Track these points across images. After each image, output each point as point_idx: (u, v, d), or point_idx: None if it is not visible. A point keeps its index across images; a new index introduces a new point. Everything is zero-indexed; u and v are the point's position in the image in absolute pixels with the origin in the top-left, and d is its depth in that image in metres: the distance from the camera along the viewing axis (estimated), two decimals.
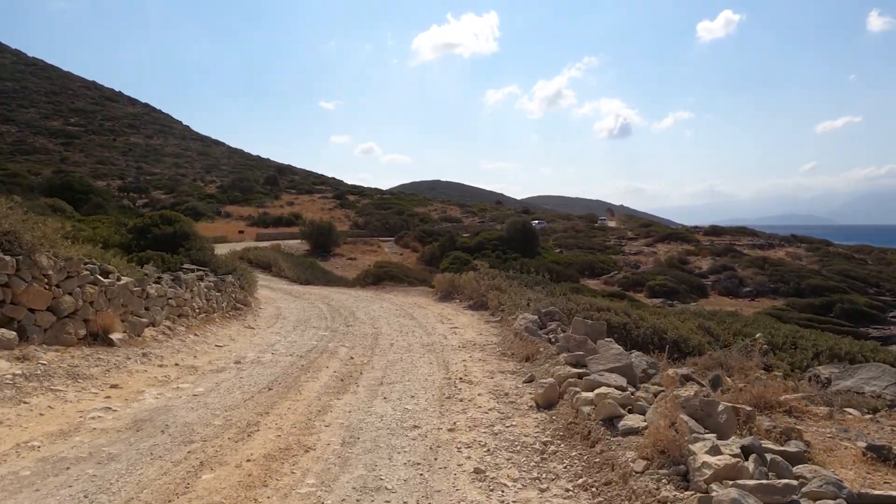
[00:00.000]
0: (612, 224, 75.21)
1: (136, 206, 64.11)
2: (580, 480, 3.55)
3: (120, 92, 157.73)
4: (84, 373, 5.79)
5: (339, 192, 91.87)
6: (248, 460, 3.81)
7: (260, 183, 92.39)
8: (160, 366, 6.78)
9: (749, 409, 5.18)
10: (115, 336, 7.47)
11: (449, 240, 45.94)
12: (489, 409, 5.13)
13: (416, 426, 4.65)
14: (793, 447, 4.27)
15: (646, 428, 3.71)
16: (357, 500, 3.31)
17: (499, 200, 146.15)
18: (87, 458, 3.79)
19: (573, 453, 3.95)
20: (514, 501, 3.34)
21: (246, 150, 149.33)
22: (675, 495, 2.94)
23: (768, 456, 3.52)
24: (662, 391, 4.67)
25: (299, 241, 45.78)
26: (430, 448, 4.14)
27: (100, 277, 7.78)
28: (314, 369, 6.94)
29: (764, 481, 2.89)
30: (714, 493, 2.80)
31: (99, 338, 7.39)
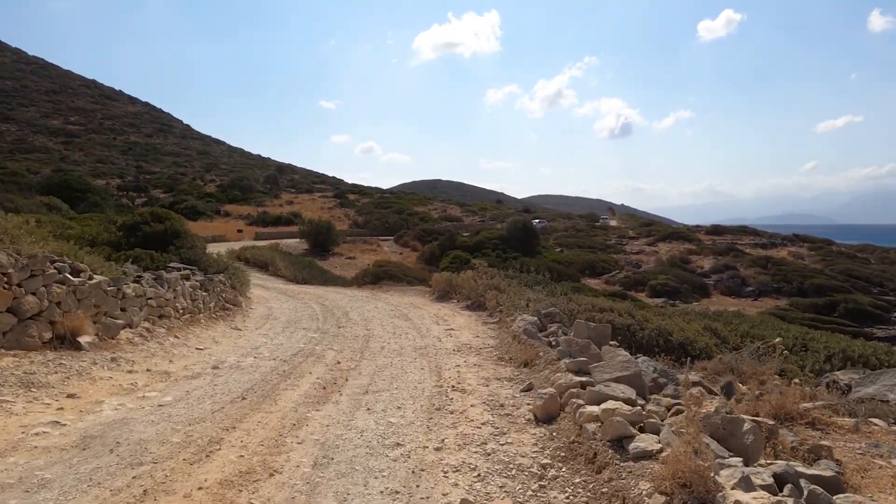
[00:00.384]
0: (613, 223, 74.67)
1: (135, 204, 63.67)
2: None
3: (120, 91, 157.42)
4: (40, 381, 5.28)
5: (339, 191, 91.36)
6: (200, 488, 3.30)
7: (259, 182, 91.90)
8: (129, 371, 6.28)
9: (771, 423, 4.67)
10: (83, 339, 6.96)
11: (449, 239, 45.44)
12: (482, 423, 4.61)
13: (399, 444, 4.13)
14: (825, 469, 3.76)
15: (661, 451, 3.20)
16: None
17: (499, 200, 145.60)
18: (15, 484, 3.28)
19: (576, 480, 3.43)
20: None
21: (246, 149, 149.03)
22: None
23: (804, 484, 3.01)
24: (677, 404, 4.15)
25: (298, 240, 45.35)
26: (413, 472, 3.62)
27: (69, 276, 7.27)
28: (296, 375, 6.43)
29: None
30: None
31: (66, 341, 6.89)
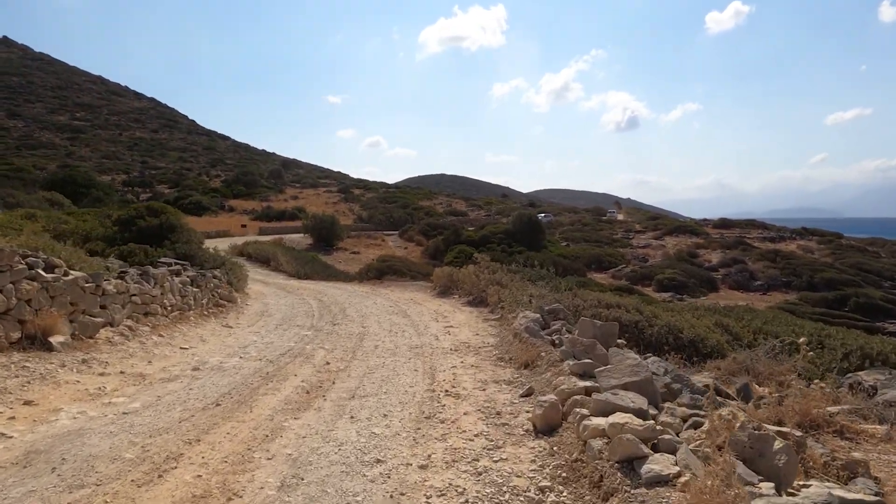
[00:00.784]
0: (620, 217, 73.94)
1: (139, 199, 63.53)
2: None
3: (126, 86, 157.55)
4: None
5: (344, 185, 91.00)
6: None
7: (264, 177, 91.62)
8: (101, 374, 5.85)
9: (798, 434, 4.18)
10: (55, 339, 6.54)
11: (454, 233, 45.00)
12: (475, 435, 4.14)
13: (379, 460, 3.67)
14: (865, 492, 3.28)
15: (678, 475, 2.73)
16: None
17: (504, 194, 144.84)
18: None
19: None
20: None
21: (252, 144, 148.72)
22: None
23: None
24: (694, 415, 3.67)
25: (302, 235, 45.04)
26: (392, 496, 3.16)
27: (41, 272, 6.85)
28: (279, 378, 5.98)
29: None
30: None
31: (37, 341, 6.48)
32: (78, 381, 5.44)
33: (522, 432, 4.19)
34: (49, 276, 6.93)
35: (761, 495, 2.44)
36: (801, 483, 3.27)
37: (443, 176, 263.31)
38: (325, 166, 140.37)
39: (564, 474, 3.37)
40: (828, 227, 75.64)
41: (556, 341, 7.33)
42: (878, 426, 5.45)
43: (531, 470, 3.51)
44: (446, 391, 5.42)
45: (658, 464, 2.86)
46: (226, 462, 3.60)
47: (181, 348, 7.80)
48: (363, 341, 8.55)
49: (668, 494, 2.64)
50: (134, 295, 8.65)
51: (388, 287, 18.34)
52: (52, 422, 4.30)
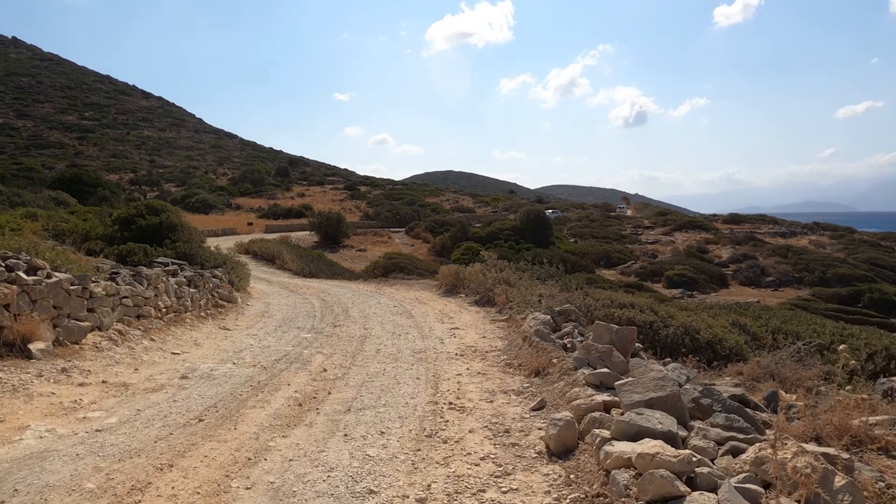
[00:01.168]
0: (629, 213, 73.21)
1: (147, 198, 63.52)
2: None
3: (133, 86, 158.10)
4: None
5: (351, 183, 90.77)
6: None
7: (271, 175, 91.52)
8: (80, 384, 5.46)
9: (846, 456, 3.73)
10: (35, 346, 6.16)
11: (461, 230, 44.58)
12: (482, 458, 3.70)
13: (372, 491, 3.24)
14: None
15: None
16: None
17: (512, 190, 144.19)
18: None
19: None
20: None
21: (259, 142, 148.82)
22: None
23: None
24: (731, 438, 3.20)
25: (308, 232, 44.84)
26: None
27: (21, 275, 6.46)
28: (271, 388, 5.57)
29: None
30: None
31: (16, 348, 6.11)
32: (53, 394, 5.04)
33: (534, 455, 3.74)
34: (30, 278, 6.55)
35: None
36: None
37: (450, 172, 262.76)
38: (332, 164, 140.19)
39: None
40: (839, 221, 74.66)
41: (569, 345, 6.88)
42: None
43: None
44: (450, 403, 4.98)
45: None
46: (198, 493, 3.18)
47: (172, 353, 7.41)
48: (364, 345, 8.13)
49: None
50: (125, 297, 8.26)
51: (394, 286, 17.92)
52: (14, 442, 3.91)
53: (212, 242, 22.70)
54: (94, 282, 7.61)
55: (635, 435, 3.18)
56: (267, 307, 12.87)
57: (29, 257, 7.00)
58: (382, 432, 4.25)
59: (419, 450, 3.86)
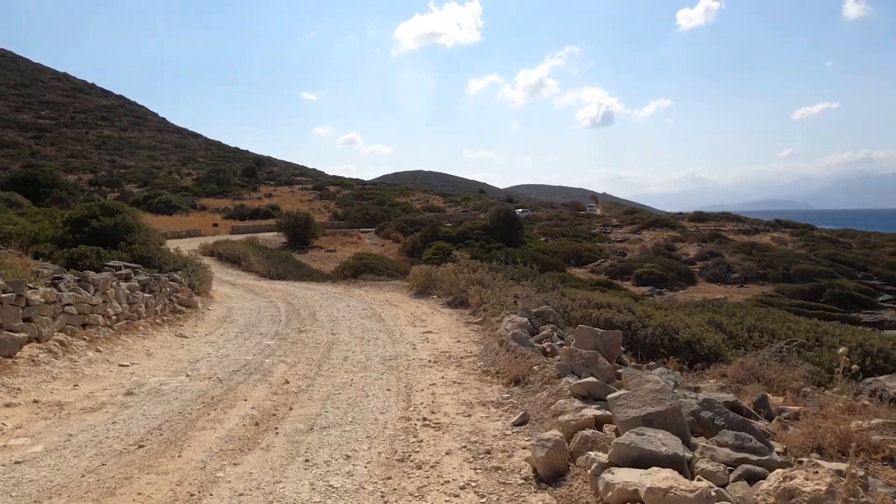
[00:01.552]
0: (598, 212, 73.84)
1: (106, 199, 61.41)
2: None
3: (92, 84, 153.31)
4: None
5: (320, 183, 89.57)
6: None
7: (237, 175, 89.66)
8: (7, 405, 4.85)
9: (861, 473, 3.41)
10: None
11: (431, 230, 44.19)
12: (462, 487, 3.26)
13: None
14: None
15: None
16: None
17: (482, 189, 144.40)
18: None
19: None
20: None
21: (224, 142, 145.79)
22: None
23: None
24: (743, 460, 2.83)
25: (276, 233, 43.91)
26: None
27: None
28: (226, 404, 5.04)
29: None
30: None
31: None
32: None
33: (521, 480, 3.32)
34: None
35: None
36: None
37: (420, 172, 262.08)
38: (301, 164, 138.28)
39: None
40: (798, 218, 76.61)
41: (548, 350, 6.50)
42: None
43: None
44: (424, 419, 4.52)
45: None
46: None
47: (120, 366, 6.79)
48: (331, 352, 7.63)
49: None
50: (68, 304, 7.59)
51: (364, 287, 17.38)
52: None
53: (175, 244, 21.80)
54: (31, 288, 6.95)
55: (637, 459, 2.78)
56: (229, 312, 12.23)
57: None
58: (348, 456, 3.77)
59: (389, 478, 3.40)
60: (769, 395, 6.78)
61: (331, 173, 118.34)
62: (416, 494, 3.19)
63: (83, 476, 3.44)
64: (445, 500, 3.10)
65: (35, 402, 5.03)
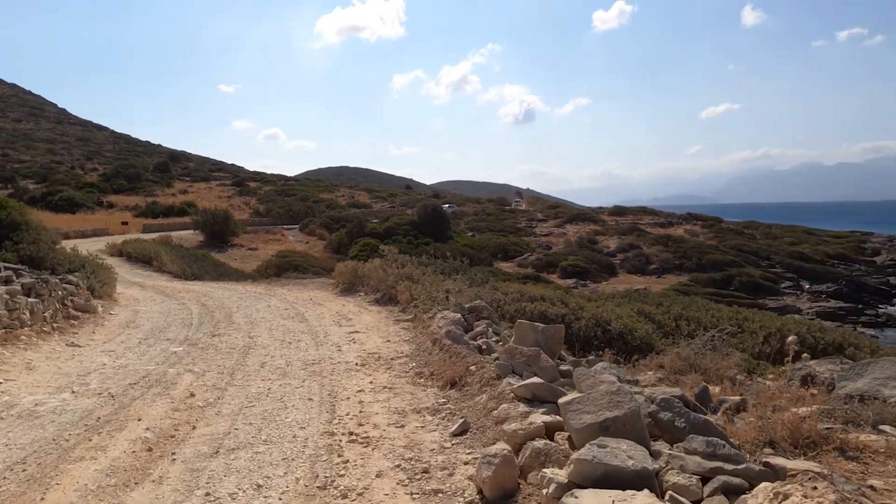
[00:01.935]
0: (523, 206, 75.05)
1: None
2: None
3: None
4: None
5: (240, 178, 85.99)
6: None
7: (149, 170, 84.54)
8: None
9: (825, 472, 3.17)
10: None
11: (357, 226, 43.22)
12: None
13: None
14: None
15: None
16: None
17: (408, 185, 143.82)
18: None
19: None
20: None
21: (134, 135, 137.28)
22: None
23: None
24: (718, 469, 2.49)
25: (193, 231, 41.59)
26: None
27: None
28: (114, 426, 4.27)
29: None
30: None
31: None
32: None
33: None
34: None
35: None
36: None
37: (345, 168, 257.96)
38: (219, 159, 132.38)
39: None
40: (706, 212, 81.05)
41: (484, 347, 6.09)
42: (872, 435, 4.61)
43: None
44: (350, 433, 3.95)
45: None
46: None
47: None
48: (247, 357, 6.88)
49: None
50: None
51: (287, 286, 16.44)
52: None
53: (78, 244, 19.91)
54: None
55: (601, 478, 2.37)
56: (135, 316, 11.10)
57: None
58: (259, 485, 3.16)
59: None
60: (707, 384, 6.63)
61: (252, 168, 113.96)
62: None
63: None
64: None
65: None
